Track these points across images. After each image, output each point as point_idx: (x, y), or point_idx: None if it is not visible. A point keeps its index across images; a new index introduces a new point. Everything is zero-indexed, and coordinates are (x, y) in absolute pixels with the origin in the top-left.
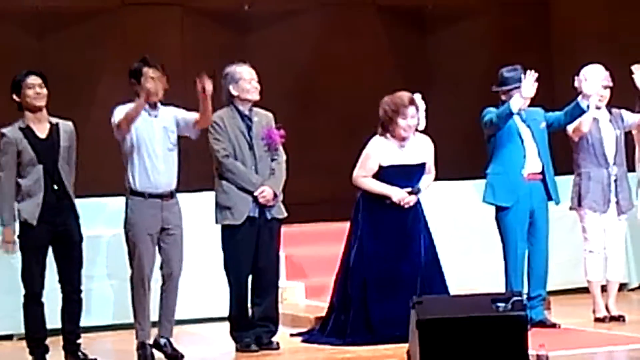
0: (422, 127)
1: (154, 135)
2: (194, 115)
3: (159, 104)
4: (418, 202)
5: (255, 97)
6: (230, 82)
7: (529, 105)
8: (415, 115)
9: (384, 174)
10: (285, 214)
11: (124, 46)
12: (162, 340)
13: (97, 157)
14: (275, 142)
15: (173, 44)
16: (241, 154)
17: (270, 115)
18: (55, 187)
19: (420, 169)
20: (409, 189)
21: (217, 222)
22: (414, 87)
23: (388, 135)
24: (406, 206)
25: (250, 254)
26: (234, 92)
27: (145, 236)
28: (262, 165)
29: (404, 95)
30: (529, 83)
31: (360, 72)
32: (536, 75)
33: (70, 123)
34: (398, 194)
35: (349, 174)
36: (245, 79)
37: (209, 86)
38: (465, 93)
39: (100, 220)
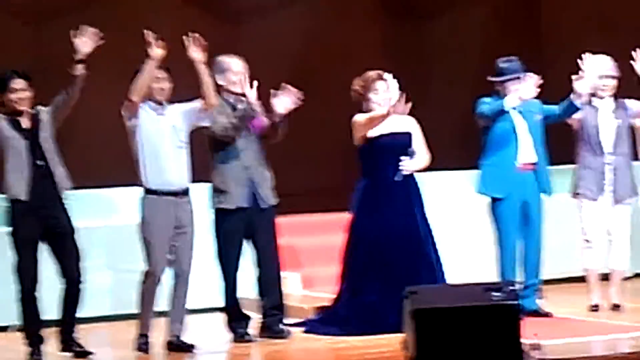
0: (394, 102)
1: (162, 134)
2: (199, 102)
3: (165, 103)
4: (413, 178)
5: (240, 90)
6: (217, 72)
7: None
8: (386, 90)
9: (375, 144)
10: (275, 202)
11: (120, 35)
12: (173, 337)
13: (94, 147)
14: (254, 127)
15: (165, 35)
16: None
17: (257, 102)
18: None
19: (408, 138)
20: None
21: (212, 206)
22: (408, 76)
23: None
24: (405, 172)
25: (241, 242)
26: (220, 83)
27: (158, 232)
28: (250, 152)
29: (371, 72)
30: (531, 85)
31: (354, 61)
32: (537, 78)
33: (47, 108)
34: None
35: (344, 163)
36: (233, 70)
37: (198, 52)
38: (460, 83)
39: (96, 211)
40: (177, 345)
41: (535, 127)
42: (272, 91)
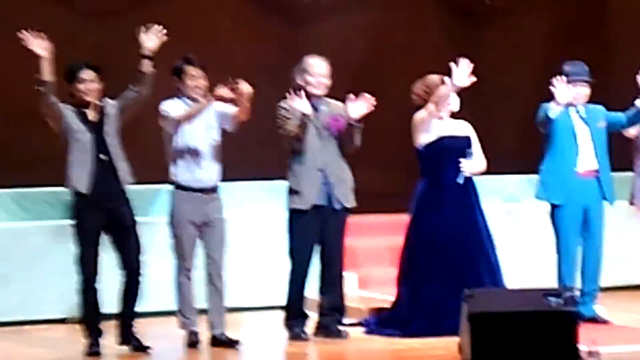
0: (456, 108)
1: (197, 131)
2: (233, 109)
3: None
4: (471, 181)
5: (318, 92)
6: (298, 72)
7: (589, 102)
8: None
9: (436, 146)
10: (354, 204)
11: (178, 35)
12: (217, 332)
13: (150, 146)
14: (335, 128)
15: (227, 35)
16: (310, 141)
17: (340, 104)
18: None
19: (468, 141)
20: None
21: (286, 206)
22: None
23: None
24: (465, 173)
25: (313, 242)
26: (299, 82)
27: (186, 227)
28: (326, 153)
29: (433, 76)
30: (561, 89)
31: (418, 65)
32: (565, 83)
33: (114, 102)
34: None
35: (407, 166)
36: (313, 72)
37: (244, 87)
38: (522, 88)
39: (155, 206)
40: (221, 341)
41: (598, 133)
42: (348, 96)
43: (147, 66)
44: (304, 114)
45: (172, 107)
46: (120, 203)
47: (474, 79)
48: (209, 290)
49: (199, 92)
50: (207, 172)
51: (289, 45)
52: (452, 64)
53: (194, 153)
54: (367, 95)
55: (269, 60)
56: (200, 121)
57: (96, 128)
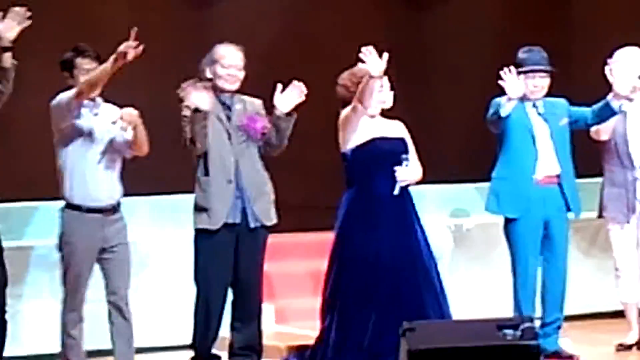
0: (388, 104)
1: (93, 136)
2: (129, 135)
3: (98, 100)
4: (407, 192)
5: (229, 87)
6: (208, 63)
7: (549, 95)
8: (380, 89)
9: (365, 150)
10: (275, 220)
11: (58, 22)
12: None
13: (26, 153)
14: (255, 130)
15: (118, 20)
16: (218, 147)
17: (258, 102)
18: None
19: (403, 144)
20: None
21: (194, 225)
22: (407, 72)
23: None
24: (401, 182)
25: (226, 267)
26: (208, 75)
27: (82, 255)
28: (245, 161)
29: (363, 66)
30: (512, 80)
31: (343, 54)
32: (515, 75)
33: None
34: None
35: (331, 175)
36: (224, 64)
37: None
38: (469, 80)
39: (30, 229)
40: None
41: (560, 133)
42: (277, 85)
43: (7, 60)
44: (196, 110)
45: (66, 95)
46: None
47: (385, 57)
48: (112, 333)
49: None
50: (105, 187)
51: (189, 32)
52: (361, 54)
53: (88, 164)
54: (296, 82)
55: (170, 51)
56: (98, 124)
57: None
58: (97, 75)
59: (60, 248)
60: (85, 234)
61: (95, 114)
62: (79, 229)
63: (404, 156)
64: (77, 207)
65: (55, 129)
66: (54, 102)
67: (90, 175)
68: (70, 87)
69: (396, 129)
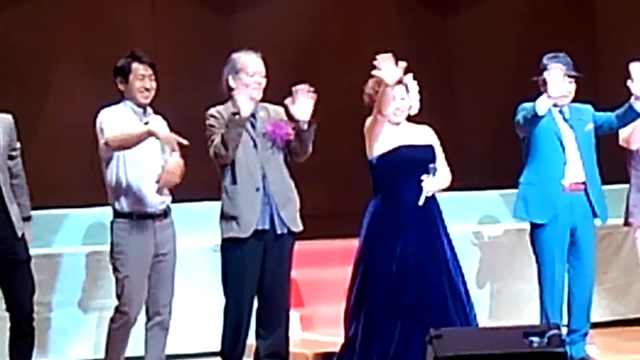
0: (414, 111)
1: (143, 145)
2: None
3: (149, 109)
4: (435, 200)
5: (255, 95)
6: (230, 72)
7: (574, 101)
8: (404, 96)
9: (392, 158)
10: (301, 227)
11: (83, 28)
12: None
13: (53, 160)
14: (280, 137)
15: (142, 27)
16: (245, 155)
17: (280, 110)
18: None
19: (431, 152)
20: (425, 175)
21: (222, 234)
22: (433, 78)
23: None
24: (427, 192)
25: (255, 275)
26: (232, 85)
27: (135, 264)
28: (272, 168)
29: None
30: (554, 79)
31: (367, 60)
32: (563, 69)
33: (8, 116)
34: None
35: (356, 181)
36: (248, 71)
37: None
38: (494, 85)
39: (59, 236)
40: None
41: (586, 138)
42: (285, 101)
43: None
44: (237, 115)
45: (110, 123)
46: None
47: (402, 65)
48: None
49: (147, 95)
50: (156, 194)
51: (213, 39)
52: (376, 62)
53: (138, 172)
54: (302, 86)
55: (194, 57)
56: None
57: None
58: (126, 139)
59: (113, 258)
60: (140, 241)
61: (146, 123)
62: (132, 237)
63: (431, 165)
64: (129, 215)
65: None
66: (99, 122)
67: (142, 183)
68: (120, 93)
69: (424, 136)
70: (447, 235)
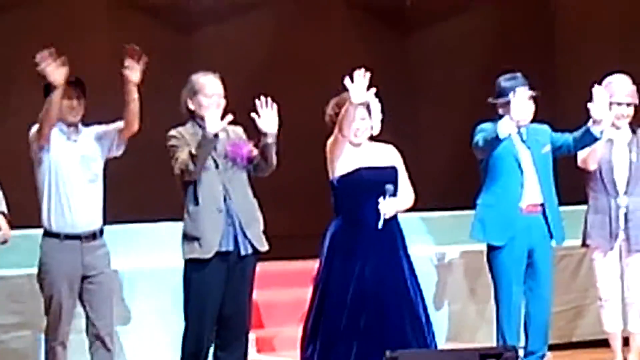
0: (376, 131)
1: (70, 164)
2: (117, 124)
3: (80, 126)
4: (396, 221)
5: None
6: (189, 94)
7: (532, 121)
8: (365, 116)
9: (353, 179)
10: (266, 247)
11: (42, 45)
12: None
13: (11, 178)
14: (240, 157)
15: (100, 44)
16: (206, 176)
17: (239, 129)
18: None
19: (393, 173)
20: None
21: (182, 255)
22: (390, 96)
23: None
24: (385, 215)
25: (217, 298)
26: (191, 107)
27: (62, 284)
28: (234, 188)
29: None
30: (519, 102)
31: (328, 78)
32: (528, 92)
33: None
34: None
35: (317, 202)
36: (206, 93)
37: (134, 64)
38: (454, 105)
39: (11, 258)
40: None
41: (543, 160)
42: (251, 115)
43: None
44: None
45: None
46: None
47: (372, 90)
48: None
49: (74, 113)
50: (83, 214)
51: (172, 57)
52: (346, 80)
53: (65, 191)
54: (261, 99)
55: (154, 77)
56: (75, 152)
57: None
58: (45, 107)
59: (40, 277)
60: (64, 261)
61: (75, 141)
62: (57, 256)
63: (388, 187)
64: (56, 235)
65: (34, 157)
66: (30, 133)
67: (69, 202)
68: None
69: (387, 156)
70: (407, 256)
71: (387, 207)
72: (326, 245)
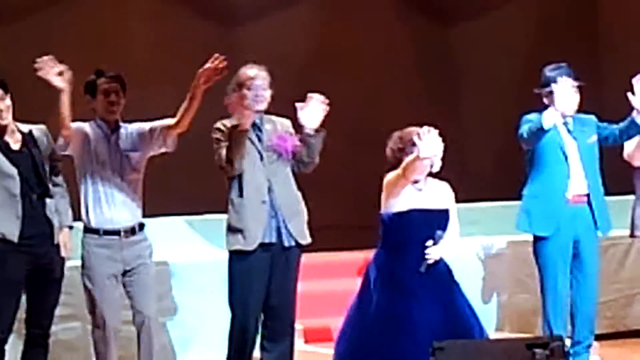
0: (436, 168)
1: (107, 160)
2: (165, 121)
3: (120, 122)
4: (443, 263)
5: (259, 107)
6: (234, 87)
7: (578, 112)
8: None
9: (403, 220)
10: (309, 240)
11: (82, 43)
12: None
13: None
14: (285, 150)
15: (144, 40)
16: (251, 168)
17: (287, 122)
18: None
19: (445, 217)
20: (430, 241)
21: (226, 247)
22: (435, 89)
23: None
24: (430, 260)
25: (261, 289)
26: (235, 99)
27: (104, 279)
28: (278, 181)
29: (414, 130)
30: (562, 92)
31: (371, 72)
32: (571, 82)
33: (42, 126)
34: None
35: (361, 194)
36: (250, 85)
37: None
38: (499, 96)
39: None
40: None
41: (589, 150)
42: (297, 105)
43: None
44: (239, 130)
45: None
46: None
47: (440, 146)
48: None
49: (113, 109)
50: (122, 210)
51: (216, 52)
52: (415, 138)
53: (104, 187)
54: (315, 95)
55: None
56: (114, 148)
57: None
58: (57, 112)
59: (83, 272)
60: (104, 256)
61: (113, 137)
62: (97, 252)
63: (438, 233)
64: (95, 231)
65: (71, 154)
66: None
67: (107, 198)
68: (92, 110)
69: (440, 197)
70: (461, 295)
71: (432, 252)
72: (373, 278)
